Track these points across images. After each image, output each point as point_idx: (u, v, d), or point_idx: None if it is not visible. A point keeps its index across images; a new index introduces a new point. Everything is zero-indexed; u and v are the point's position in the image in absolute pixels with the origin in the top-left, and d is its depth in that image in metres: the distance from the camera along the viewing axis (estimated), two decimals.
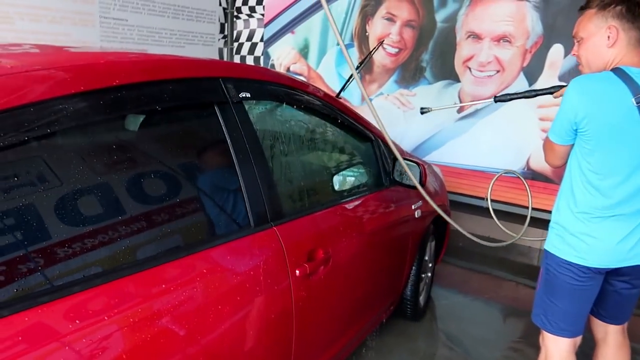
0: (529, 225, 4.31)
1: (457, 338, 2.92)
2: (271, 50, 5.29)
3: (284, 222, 1.55)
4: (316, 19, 4.98)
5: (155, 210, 1.23)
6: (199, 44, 5.12)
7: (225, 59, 5.45)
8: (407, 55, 4.55)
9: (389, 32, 4.59)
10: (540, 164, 4.08)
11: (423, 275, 2.87)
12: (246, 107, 1.52)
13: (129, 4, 4.31)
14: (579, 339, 1.85)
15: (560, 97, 1.75)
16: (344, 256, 1.83)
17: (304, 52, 5.12)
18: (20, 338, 0.90)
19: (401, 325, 2.85)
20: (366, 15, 4.70)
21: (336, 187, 2.02)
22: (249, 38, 5.44)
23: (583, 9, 1.71)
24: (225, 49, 5.48)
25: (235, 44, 5.52)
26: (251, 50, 5.43)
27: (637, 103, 1.54)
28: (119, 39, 4.29)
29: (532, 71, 4.03)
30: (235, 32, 5.51)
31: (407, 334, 2.82)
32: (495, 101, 2.30)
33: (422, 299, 2.91)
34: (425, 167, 2.19)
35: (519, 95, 2.19)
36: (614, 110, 1.57)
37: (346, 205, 1.95)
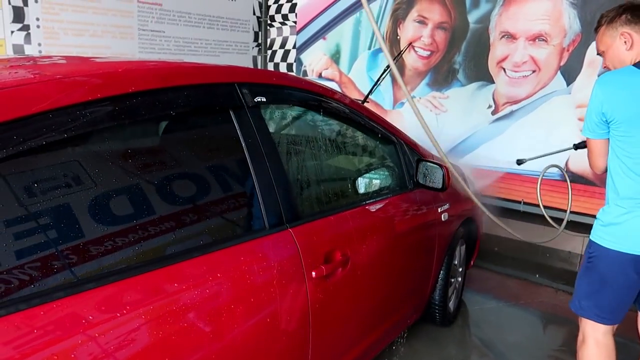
0: (568, 228, 4.17)
1: (491, 344, 2.85)
2: (303, 56, 5.35)
3: (300, 224, 1.57)
4: (347, 24, 5.00)
5: (170, 212, 1.27)
6: (234, 53, 5.23)
7: (259, 66, 5.54)
8: (439, 58, 4.49)
9: (420, 34, 4.55)
10: (579, 166, 3.93)
11: (452, 280, 2.82)
12: (262, 111, 1.56)
13: (165, 17, 4.47)
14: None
15: None
16: (364, 258, 1.83)
17: (335, 57, 5.14)
18: (40, 331, 0.95)
19: (430, 331, 2.81)
20: (397, 18, 4.68)
21: (357, 190, 2.02)
22: (282, 45, 5.52)
23: (596, 29, 1.97)
24: (259, 56, 5.58)
25: (269, 52, 5.61)
26: (284, 58, 5.51)
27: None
28: (156, 50, 4.45)
29: (570, 70, 3.90)
30: (268, 40, 5.60)
31: (437, 339, 2.78)
32: (576, 149, 2.47)
33: (451, 304, 2.86)
34: (449, 169, 2.16)
35: None
36: (638, 96, 1.70)
37: (367, 208, 1.95)
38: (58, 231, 1.05)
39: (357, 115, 2.01)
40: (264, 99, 1.55)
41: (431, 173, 2.13)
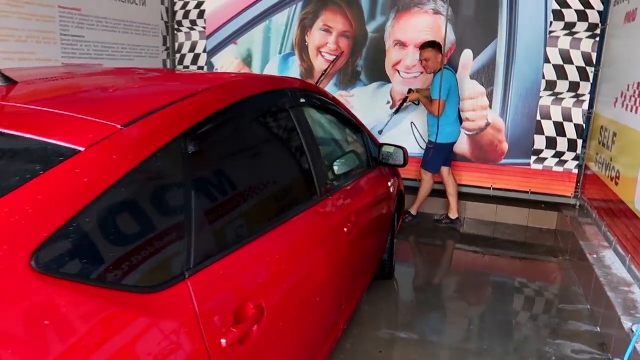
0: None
1: (420, 285, 3.63)
2: (215, 60, 5.69)
3: (335, 193, 2.12)
4: (258, 31, 5.48)
5: (280, 184, 1.75)
6: (146, 57, 5.37)
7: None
8: (344, 62, 5.23)
9: (326, 41, 5.23)
10: (460, 149, 4.99)
11: (395, 241, 3.54)
12: (303, 109, 2.06)
13: (85, 22, 4.49)
14: None
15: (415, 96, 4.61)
16: (363, 221, 2.43)
17: (247, 61, 5.58)
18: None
19: (381, 284, 3.50)
20: (305, 27, 5.30)
21: (353, 166, 2.60)
22: (192, 49, 5.78)
23: (424, 48, 4.41)
24: (169, 60, 5.77)
25: (178, 56, 5.83)
26: (194, 61, 5.77)
27: (455, 77, 4.42)
28: (78, 55, 4.46)
29: None
30: (177, 44, 5.82)
31: (388, 289, 3.47)
32: (396, 113, 4.97)
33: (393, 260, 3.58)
34: (406, 150, 2.85)
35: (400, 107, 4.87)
36: (453, 80, 4.39)
37: (362, 180, 2.54)
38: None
39: (346, 112, 2.60)
40: (304, 100, 2.06)
41: (394, 154, 2.80)
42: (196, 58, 5.77)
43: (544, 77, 4.61)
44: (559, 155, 4.72)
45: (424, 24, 4.90)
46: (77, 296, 0.89)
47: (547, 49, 4.56)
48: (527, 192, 4.91)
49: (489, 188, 5.01)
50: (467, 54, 4.82)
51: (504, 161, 4.91)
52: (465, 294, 3.59)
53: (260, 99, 1.73)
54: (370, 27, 5.11)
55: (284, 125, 1.90)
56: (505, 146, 4.86)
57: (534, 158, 4.81)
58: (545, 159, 4.77)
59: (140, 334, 0.98)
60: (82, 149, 1.06)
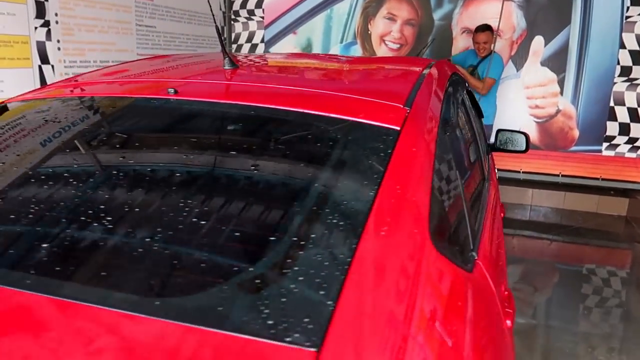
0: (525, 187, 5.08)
1: (515, 272, 3.64)
2: (273, 50, 5.65)
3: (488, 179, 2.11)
4: (318, 20, 5.43)
5: (476, 167, 1.73)
6: (207, 47, 5.34)
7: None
8: (409, 50, 5.19)
9: (390, 30, 5.19)
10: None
11: None
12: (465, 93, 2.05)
13: (156, 12, 4.46)
14: None
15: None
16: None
17: (306, 50, 5.54)
18: None
19: None
20: (368, 15, 5.26)
21: (483, 152, 2.58)
22: (249, 39, 5.74)
23: (482, 30, 4.24)
24: None
25: (234, 46, 5.79)
26: (252, 51, 5.74)
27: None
28: (150, 46, 4.43)
29: (519, 59, 4.87)
30: (233, 35, 5.78)
31: None
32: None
33: None
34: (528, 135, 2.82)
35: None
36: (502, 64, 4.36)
37: (489, 166, 2.53)
38: None
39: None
40: (467, 85, 2.04)
41: (514, 139, 2.77)
42: (253, 48, 5.73)
43: (618, 63, 4.58)
44: (632, 141, 4.70)
45: (493, 11, 4.83)
46: (449, 271, 0.88)
47: (623, 34, 4.52)
48: (597, 179, 4.88)
49: (558, 175, 4.99)
50: (538, 40, 4.78)
51: (573, 148, 4.88)
52: (559, 280, 3.59)
53: (453, 81, 1.72)
54: (437, 15, 5.07)
55: (466, 108, 1.89)
56: (576, 133, 4.84)
57: (605, 144, 4.78)
58: (617, 145, 4.74)
59: (475, 307, 0.97)
60: (398, 128, 1.05)
